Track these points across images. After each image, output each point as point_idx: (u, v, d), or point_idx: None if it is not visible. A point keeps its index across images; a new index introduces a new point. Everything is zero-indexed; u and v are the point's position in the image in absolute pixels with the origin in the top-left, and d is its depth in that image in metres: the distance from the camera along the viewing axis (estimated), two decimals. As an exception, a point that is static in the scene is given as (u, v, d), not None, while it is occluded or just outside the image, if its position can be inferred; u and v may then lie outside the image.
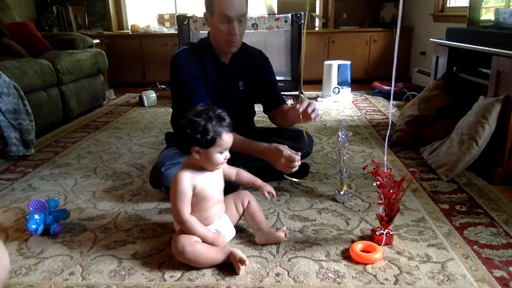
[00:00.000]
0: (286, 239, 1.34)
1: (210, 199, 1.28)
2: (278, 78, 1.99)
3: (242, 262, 1.19)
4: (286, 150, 1.55)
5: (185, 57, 1.71)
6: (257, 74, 1.84)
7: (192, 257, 1.20)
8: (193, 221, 1.23)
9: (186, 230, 1.23)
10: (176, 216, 1.23)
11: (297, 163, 1.55)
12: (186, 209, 1.22)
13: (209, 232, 1.26)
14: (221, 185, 1.34)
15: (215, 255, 1.23)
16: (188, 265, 1.25)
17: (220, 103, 1.79)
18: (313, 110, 1.56)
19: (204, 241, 1.24)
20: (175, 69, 1.70)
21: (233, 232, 1.38)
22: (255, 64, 1.83)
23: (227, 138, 1.22)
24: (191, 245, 1.21)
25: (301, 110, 1.54)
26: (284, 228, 1.37)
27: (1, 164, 2.19)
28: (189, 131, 1.19)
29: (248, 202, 1.40)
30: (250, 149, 1.63)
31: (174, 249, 1.23)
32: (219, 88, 1.78)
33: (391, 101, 1.40)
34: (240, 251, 1.22)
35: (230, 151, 1.27)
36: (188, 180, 1.22)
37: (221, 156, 1.24)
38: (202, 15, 3.42)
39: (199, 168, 1.26)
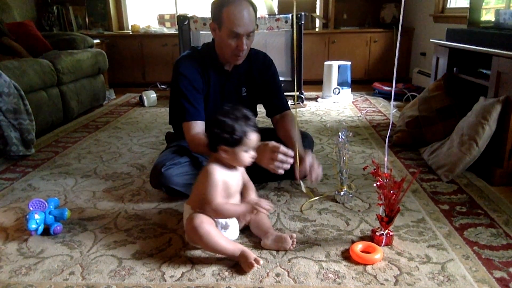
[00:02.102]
0: (292, 248, 1.32)
1: (232, 196, 1.34)
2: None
3: (257, 261, 1.20)
4: (272, 143, 1.48)
5: (187, 65, 1.69)
6: (260, 78, 1.82)
7: (205, 235, 1.22)
8: (223, 203, 1.27)
9: (222, 214, 1.27)
10: (209, 204, 1.26)
11: (288, 159, 1.47)
12: (219, 198, 1.27)
13: (240, 206, 1.31)
14: (241, 184, 1.39)
15: (225, 244, 1.24)
16: (188, 264, 1.25)
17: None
18: (312, 173, 1.58)
19: (241, 216, 1.33)
20: (176, 77, 1.69)
21: (237, 234, 1.39)
22: (259, 68, 1.81)
23: (254, 137, 1.28)
24: (208, 224, 1.25)
25: (297, 174, 1.58)
26: (294, 235, 1.33)
27: (1, 164, 2.19)
28: (217, 131, 1.25)
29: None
30: None
31: (190, 224, 1.25)
32: (221, 96, 1.77)
33: (392, 102, 1.40)
34: (251, 252, 1.23)
35: None
36: (219, 174, 1.28)
37: (247, 155, 1.30)
38: (208, 22, 3.46)
39: (226, 165, 1.32)
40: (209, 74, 1.71)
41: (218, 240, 1.24)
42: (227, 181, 1.30)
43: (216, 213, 1.28)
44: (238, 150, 1.27)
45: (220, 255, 1.29)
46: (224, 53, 1.65)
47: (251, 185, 1.46)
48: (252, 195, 1.44)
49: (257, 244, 1.36)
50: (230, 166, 1.32)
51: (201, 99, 1.69)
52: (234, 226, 1.36)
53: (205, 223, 1.24)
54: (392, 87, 3.72)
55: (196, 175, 1.67)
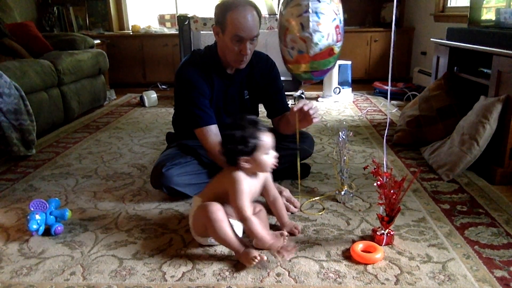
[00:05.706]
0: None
1: (251, 202, 1.33)
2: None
3: (262, 257, 1.21)
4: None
5: (191, 71, 1.68)
6: (261, 81, 1.81)
7: (218, 222, 1.23)
8: (254, 220, 1.25)
9: (248, 227, 1.25)
10: (240, 213, 1.25)
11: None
12: (248, 207, 1.26)
13: (268, 236, 1.26)
14: (260, 190, 1.40)
15: (232, 239, 1.25)
16: (189, 264, 1.25)
17: (224, 113, 1.78)
18: (310, 109, 1.53)
19: (261, 242, 1.25)
20: (182, 85, 1.68)
21: (240, 234, 1.38)
22: (261, 70, 1.80)
23: (267, 138, 1.28)
24: (224, 215, 1.25)
25: (295, 109, 1.53)
26: (285, 233, 1.34)
27: (2, 165, 2.19)
28: (231, 146, 1.24)
29: (259, 210, 1.42)
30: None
31: (208, 207, 1.24)
32: (223, 99, 1.76)
33: (389, 100, 1.40)
34: (255, 251, 1.23)
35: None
36: (245, 181, 1.28)
37: (269, 157, 1.29)
38: (208, 22, 3.47)
39: (249, 173, 1.31)
40: (212, 79, 1.70)
41: (229, 230, 1.24)
42: (251, 190, 1.31)
43: (242, 222, 1.27)
44: (258, 156, 1.27)
45: (220, 255, 1.30)
46: (227, 57, 1.64)
47: (272, 186, 1.46)
48: (273, 191, 1.45)
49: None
50: (252, 174, 1.32)
51: (208, 103, 1.69)
52: (238, 227, 1.37)
53: (221, 212, 1.25)
54: (392, 87, 3.72)
55: (196, 174, 1.68)
